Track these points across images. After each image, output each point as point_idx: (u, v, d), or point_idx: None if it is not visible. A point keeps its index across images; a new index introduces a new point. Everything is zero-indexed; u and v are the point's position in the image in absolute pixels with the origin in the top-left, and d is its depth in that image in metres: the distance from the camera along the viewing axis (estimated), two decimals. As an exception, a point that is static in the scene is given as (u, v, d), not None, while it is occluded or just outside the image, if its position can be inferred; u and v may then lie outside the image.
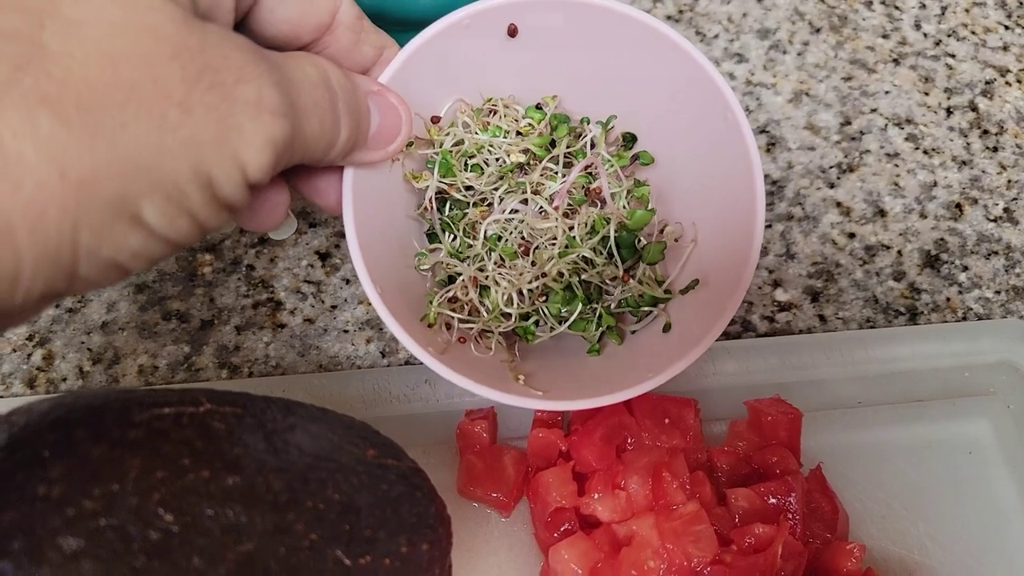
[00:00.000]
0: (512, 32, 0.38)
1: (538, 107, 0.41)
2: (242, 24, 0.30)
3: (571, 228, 0.38)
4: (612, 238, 0.38)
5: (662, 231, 0.40)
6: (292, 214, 0.36)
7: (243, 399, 0.31)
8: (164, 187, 0.23)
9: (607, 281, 0.39)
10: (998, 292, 0.49)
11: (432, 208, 0.40)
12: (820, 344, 0.45)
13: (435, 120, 0.39)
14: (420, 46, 0.36)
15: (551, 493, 0.38)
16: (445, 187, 0.39)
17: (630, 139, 0.41)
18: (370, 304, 0.47)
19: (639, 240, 0.39)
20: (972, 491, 0.43)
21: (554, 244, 0.38)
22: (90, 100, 0.21)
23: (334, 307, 0.47)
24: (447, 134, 0.39)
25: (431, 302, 0.37)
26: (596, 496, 0.38)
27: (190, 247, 0.48)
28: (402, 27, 0.48)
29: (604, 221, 0.38)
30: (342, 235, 0.49)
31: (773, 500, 0.38)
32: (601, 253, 0.39)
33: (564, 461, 0.40)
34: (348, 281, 0.48)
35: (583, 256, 0.38)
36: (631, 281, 0.38)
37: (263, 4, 0.29)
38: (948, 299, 0.49)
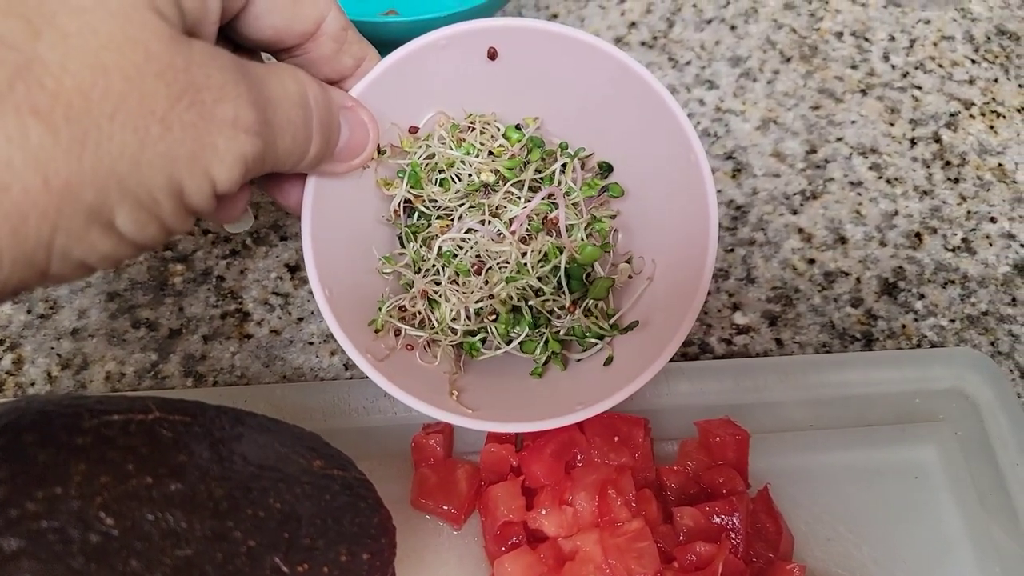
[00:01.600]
0: (492, 55, 0.39)
1: (518, 127, 0.42)
2: (228, 26, 0.31)
3: (524, 254, 0.39)
4: (562, 269, 0.39)
5: (628, 261, 0.41)
6: (250, 211, 0.37)
7: (194, 408, 0.32)
8: (138, 195, 0.24)
9: (556, 310, 0.40)
10: (952, 320, 0.50)
11: (401, 216, 0.41)
12: (775, 367, 0.46)
13: (412, 131, 0.40)
14: (397, 60, 0.37)
15: (500, 507, 0.39)
16: (412, 198, 0.40)
17: (606, 168, 0.42)
18: (335, 317, 0.48)
19: (588, 274, 0.40)
20: (917, 516, 0.43)
21: (506, 267, 0.39)
22: (79, 111, 0.22)
23: (301, 319, 0.48)
24: (420, 146, 0.40)
25: (380, 308, 0.38)
26: (543, 511, 0.39)
27: (162, 257, 0.49)
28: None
29: (557, 251, 0.39)
30: (311, 249, 0.50)
31: (717, 519, 0.39)
32: (550, 282, 0.39)
33: (515, 476, 0.40)
34: (316, 294, 0.49)
35: (532, 284, 0.39)
36: (577, 312, 0.39)
37: (250, 11, 0.31)
38: (904, 326, 0.50)
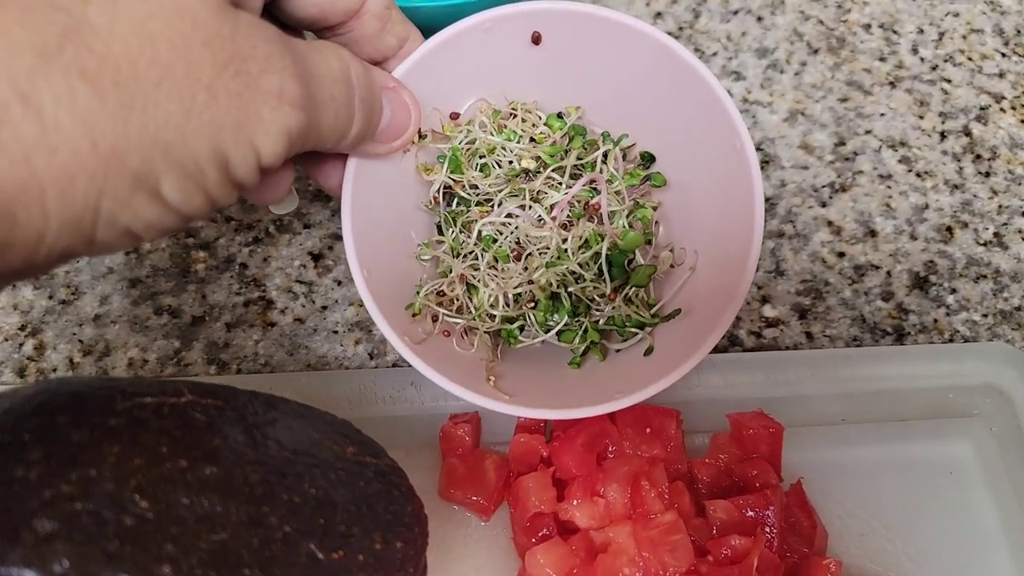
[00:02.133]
0: (536, 39, 0.39)
1: (559, 116, 0.41)
2: (272, 4, 0.31)
3: (565, 240, 0.39)
4: (604, 255, 0.38)
5: (670, 251, 0.40)
6: (294, 192, 0.37)
7: (225, 392, 0.32)
8: (184, 164, 0.24)
9: (596, 297, 0.39)
10: (985, 315, 0.49)
11: (440, 202, 0.40)
12: (806, 360, 0.45)
13: (454, 116, 0.40)
14: (440, 43, 0.37)
15: (530, 498, 0.38)
16: (452, 183, 0.40)
17: (648, 158, 0.41)
18: (361, 306, 0.47)
19: (630, 261, 0.40)
20: (952, 512, 0.43)
21: (546, 253, 0.38)
22: (126, 77, 0.22)
23: (325, 308, 0.48)
24: (461, 131, 0.40)
25: (418, 292, 0.38)
26: (575, 503, 0.38)
27: (184, 244, 0.49)
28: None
29: (599, 238, 0.39)
30: (336, 237, 0.49)
31: (751, 513, 0.39)
32: (591, 269, 0.39)
33: (545, 467, 0.40)
34: (340, 283, 0.48)
35: (573, 270, 0.38)
36: (618, 300, 0.39)
37: None
38: (935, 320, 0.49)
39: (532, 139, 0.40)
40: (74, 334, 0.46)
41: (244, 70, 0.24)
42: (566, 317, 0.38)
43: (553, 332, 0.38)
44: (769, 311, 0.49)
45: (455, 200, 0.40)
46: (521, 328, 0.39)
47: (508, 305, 0.38)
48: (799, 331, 0.48)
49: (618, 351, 0.39)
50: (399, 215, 0.39)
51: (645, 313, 0.39)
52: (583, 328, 0.39)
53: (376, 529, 0.31)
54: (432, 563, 0.39)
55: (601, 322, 0.39)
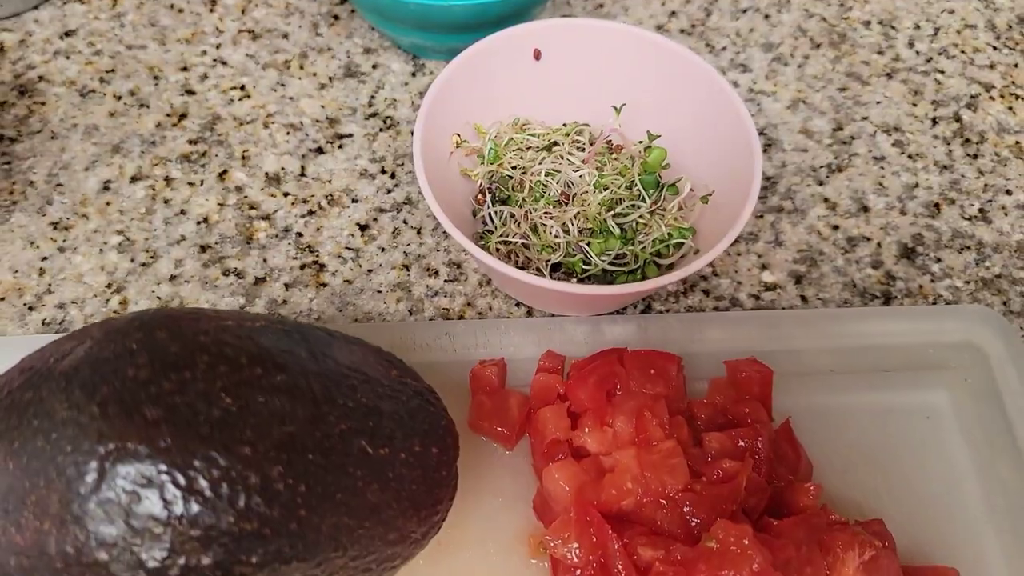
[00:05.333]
0: (537, 56, 0.47)
1: (565, 125, 0.52)
2: None
3: (602, 172, 0.48)
4: (636, 177, 0.47)
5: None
6: None
7: (292, 322, 0.38)
8: None
9: (638, 220, 0.47)
10: (967, 282, 0.54)
11: (486, 199, 0.49)
12: (799, 318, 0.51)
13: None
14: (456, 68, 0.47)
15: (548, 426, 0.44)
16: (495, 169, 0.49)
17: (652, 137, 0.51)
18: (403, 268, 0.53)
19: (658, 182, 0.49)
20: (928, 452, 0.47)
21: (590, 190, 0.47)
22: None
23: (370, 271, 0.54)
24: (492, 130, 0.50)
25: (490, 242, 0.47)
26: (586, 431, 0.44)
27: (248, 216, 0.55)
28: (441, 29, 0.55)
29: (627, 167, 0.48)
30: (381, 209, 0.56)
31: (743, 443, 0.44)
32: (630, 192, 0.48)
33: (561, 401, 0.45)
34: (383, 249, 0.54)
35: (615, 195, 0.47)
36: (655, 216, 0.48)
37: None
38: (921, 287, 0.54)
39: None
40: (152, 291, 0.53)
41: None
42: (618, 243, 0.46)
43: (609, 260, 0.46)
44: (768, 277, 0.54)
45: (496, 193, 0.50)
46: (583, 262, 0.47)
47: (568, 233, 0.46)
48: (795, 295, 0.54)
49: (670, 265, 0.47)
50: (455, 210, 0.48)
51: (684, 223, 0.47)
52: (635, 257, 0.47)
53: (415, 435, 0.37)
54: (462, 487, 0.45)
55: (648, 247, 0.47)
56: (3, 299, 0.51)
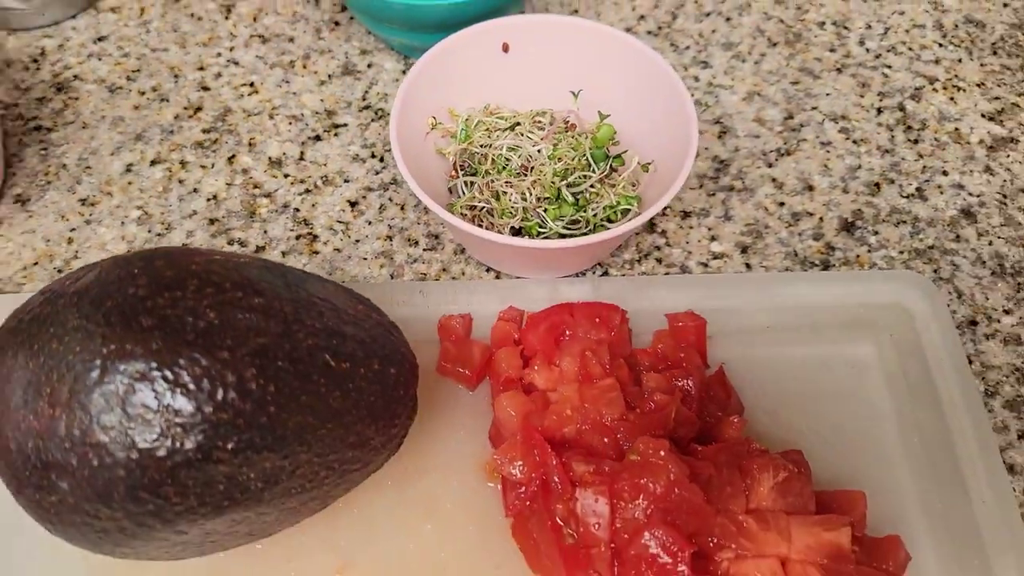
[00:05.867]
0: (505, 48, 0.54)
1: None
2: None
3: (557, 147, 0.55)
4: (587, 151, 0.54)
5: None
6: None
7: (275, 262, 0.44)
8: None
9: (589, 189, 0.54)
10: (901, 252, 0.59)
11: (458, 174, 0.56)
12: (740, 280, 0.56)
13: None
14: (430, 58, 0.54)
15: (503, 365, 0.50)
16: (466, 147, 0.56)
17: (603, 116, 0.56)
18: (387, 239, 0.60)
19: (607, 155, 0.55)
20: (852, 398, 0.52)
21: (547, 164, 0.54)
22: None
23: (357, 241, 0.60)
24: (464, 114, 0.57)
25: (455, 206, 0.53)
26: (536, 368, 0.49)
27: (252, 194, 0.62)
28: (419, 28, 0.62)
29: (580, 143, 0.55)
30: (369, 188, 0.62)
31: (677, 383, 0.49)
32: (581, 164, 0.55)
33: (516, 345, 0.51)
34: (370, 223, 0.61)
35: (568, 166, 0.54)
36: (605, 185, 0.54)
37: None
38: (858, 256, 0.59)
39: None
40: (166, 258, 0.59)
41: None
42: (572, 210, 0.52)
43: (563, 224, 0.53)
44: (716, 247, 0.59)
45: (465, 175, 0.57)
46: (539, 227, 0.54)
47: (526, 199, 0.52)
48: (740, 263, 0.59)
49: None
50: (431, 184, 0.55)
51: (631, 192, 0.54)
52: (586, 221, 0.53)
53: (375, 357, 0.43)
54: (429, 424, 0.51)
55: (600, 215, 0.53)
56: (36, 263, 0.59)
